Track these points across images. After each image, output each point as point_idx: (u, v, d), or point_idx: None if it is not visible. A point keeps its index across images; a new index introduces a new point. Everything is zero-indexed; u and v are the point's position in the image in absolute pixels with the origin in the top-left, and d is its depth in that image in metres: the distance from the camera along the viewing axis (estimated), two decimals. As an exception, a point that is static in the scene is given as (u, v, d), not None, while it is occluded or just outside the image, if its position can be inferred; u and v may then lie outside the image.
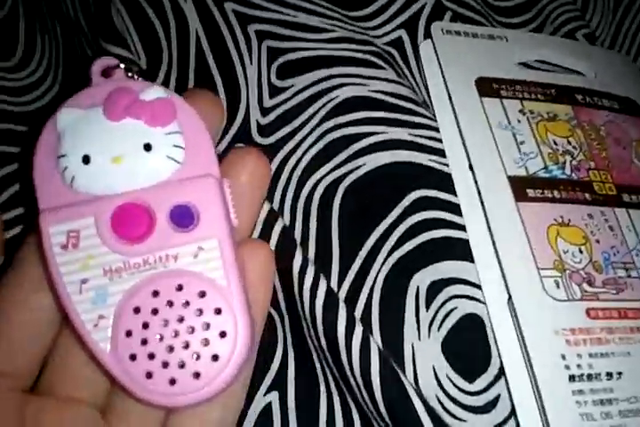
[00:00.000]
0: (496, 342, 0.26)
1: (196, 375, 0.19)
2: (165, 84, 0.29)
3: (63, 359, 0.22)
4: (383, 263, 0.27)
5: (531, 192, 0.29)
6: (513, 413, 0.25)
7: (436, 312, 0.26)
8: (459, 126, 0.30)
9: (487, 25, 0.34)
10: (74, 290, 0.20)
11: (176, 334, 0.19)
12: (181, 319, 0.19)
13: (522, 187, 0.29)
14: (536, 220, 0.28)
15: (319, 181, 0.28)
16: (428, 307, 0.26)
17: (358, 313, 0.26)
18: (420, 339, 0.26)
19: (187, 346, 0.19)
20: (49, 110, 0.32)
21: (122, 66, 0.21)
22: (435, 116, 0.30)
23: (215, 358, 0.19)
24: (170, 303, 0.20)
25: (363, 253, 0.27)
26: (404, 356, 0.26)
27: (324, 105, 0.29)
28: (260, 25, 0.30)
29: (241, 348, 0.20)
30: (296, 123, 0.29)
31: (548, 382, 0.25)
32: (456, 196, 0.28)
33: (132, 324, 0.20)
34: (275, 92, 0.29)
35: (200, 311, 0.19)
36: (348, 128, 0.29)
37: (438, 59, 0.31)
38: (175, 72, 0.29)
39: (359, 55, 0.30)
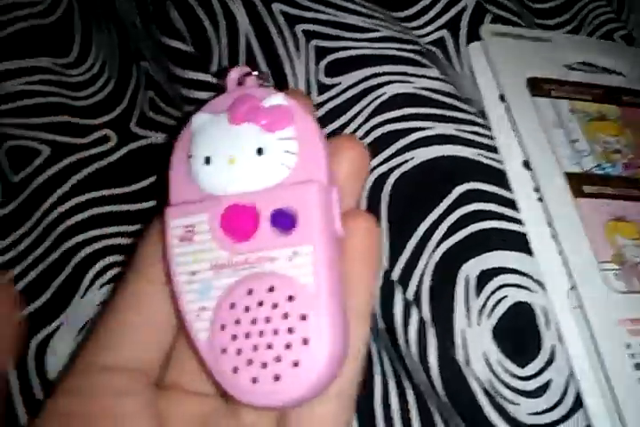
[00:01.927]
0: (559, 331, 0.26)
1: (276, 378, 0.19)
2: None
3: (185, 354, 0.22)
4: (432, 253, 0.27)
5: (587, 188, 0.29)
6: (563, 397, 0.25)
7: (486, 300, 0.26)
8: (514, 125, 0.30)
9: (525, 26, 0.34)
10: (184, 280, 0.20)
11: (261, 333, 0.19)
12: (268, 320, 0.19)
13: (578, 183, 0.29)
14: (593, 215, 0.28)
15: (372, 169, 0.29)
16: (478, 295, 0.26)
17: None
18: (470, 326, 0.25)
19: (270, 347, 0.19)
20: (106, 105, 0.34)
21: (254, 73, 0.22)
22: (480, 113, 0.30)
23: (296, 363, 0.19)
24: (260, 303, 0.19)
25: (411, 244, 0.27)
26: (454, 342, 0.25)
27: (371, 102, 0.29)
28: (307, 25, 0.31)
29: (322, 357, 0.19)
30: (344, 119, 0.30)
31: (616, 370, 0.25)
32: (503, 188, 0.28)
33: (226, 318, 0.20)
34: (323, 89, 0.30)
35: (286, 315, 0.19)
36: (395, 124, 0.29)
37: (489, 60, 0.32)
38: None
39: (404, 54, 0.30)
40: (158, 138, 0.33)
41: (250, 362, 0.19)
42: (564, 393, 0.25)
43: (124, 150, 0.33)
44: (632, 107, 0.32)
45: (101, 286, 0.29)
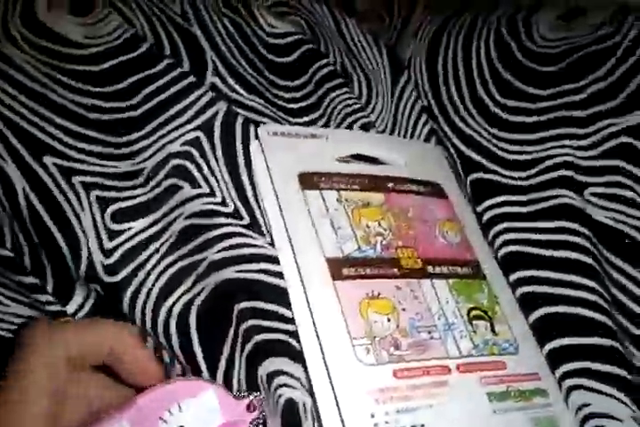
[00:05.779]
0: (317, 410, 0.29)
1: None
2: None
3: None
4: (240, 364, 0.31)
5: (345, 271, 0.33)
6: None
7: (273, 398, 0.30)
8: (283, 218, 0.34)
9: (282, 123, 0.36)
10: None
11: None
12: None
13: (338, 267, 0.33)
14: (350, 295, 0.32)
15: (173, 305, 0.32)
16: (267, 394, 0.30)
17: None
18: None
19: None
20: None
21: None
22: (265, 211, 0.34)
23: None
24: None
25: (222, 362, 0.31)
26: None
27: (162, 243, 0.32)
28: (83, 177, 0.31)
29: None
30: (140, 259, 0.32)
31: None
32: (272, 303, 0.32)
33: None
34: (113, 235, 0.32)
35: None
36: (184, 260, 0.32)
37: (265, 158, 0.34)
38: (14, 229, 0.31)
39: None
40: None
41: None
42: None
43: None
44: (395, 193, 0.36)
45: None
